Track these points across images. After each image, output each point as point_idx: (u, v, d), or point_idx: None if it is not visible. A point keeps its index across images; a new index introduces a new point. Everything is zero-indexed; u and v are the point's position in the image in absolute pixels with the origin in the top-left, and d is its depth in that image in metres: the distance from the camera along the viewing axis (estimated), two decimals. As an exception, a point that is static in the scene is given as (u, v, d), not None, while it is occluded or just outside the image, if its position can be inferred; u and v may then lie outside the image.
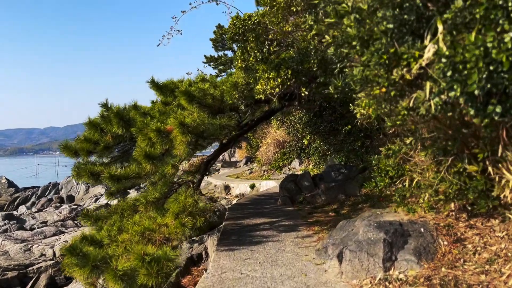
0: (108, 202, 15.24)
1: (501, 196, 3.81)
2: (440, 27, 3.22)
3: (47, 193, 21.96)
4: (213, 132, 6.28)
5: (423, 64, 3.42)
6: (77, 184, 20.86)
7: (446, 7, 3.46)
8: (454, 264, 3.59)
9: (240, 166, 25.23)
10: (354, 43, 4.03)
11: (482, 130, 3.86)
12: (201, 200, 5.91)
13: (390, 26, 3.64)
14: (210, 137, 7.43)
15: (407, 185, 5.47)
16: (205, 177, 20.58)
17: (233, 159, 30.88)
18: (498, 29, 2.73)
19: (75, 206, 16.57)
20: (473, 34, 2.78)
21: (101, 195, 18.71)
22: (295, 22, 6.50)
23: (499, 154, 3.72)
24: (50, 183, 24.04)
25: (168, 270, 4.83)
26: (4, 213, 17.46)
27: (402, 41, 3.70)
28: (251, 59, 6.75)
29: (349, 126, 10.39)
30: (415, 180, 5.16)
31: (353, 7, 3.86)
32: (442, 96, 3.22)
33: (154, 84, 7.92)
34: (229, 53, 32.63)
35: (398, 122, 3.94)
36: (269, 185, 15.30)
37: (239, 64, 6.85)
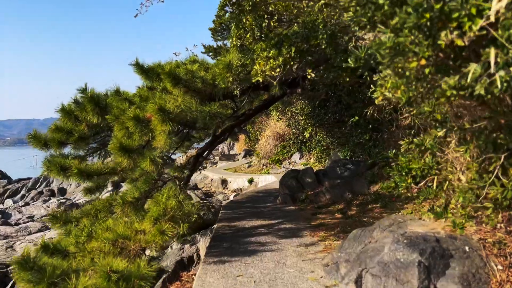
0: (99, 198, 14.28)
1: None
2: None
3: (37, 186, 20.96)
4: (202, 121, 5.26)
5: (487, 22, 2.40)
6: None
7: None
8: (514, 298, 2.62)
9: (238, 160, 24.23)
10: (381, 1, 3.00)
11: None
12: (187, 202, 4.91)
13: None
14: (201, 128, 6.43)
15: (434, 187, 4.48)
16: (200, 171, 19.60)
17: (232, 152, 29.88)
18: None
19: (64, 200, 15.59)
20: None
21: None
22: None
23: None
24: (43, 175, 22.99)
25: (140, 290, 3.85)
26: (-10, 206, 16.50)
27: (453, -8, 2.65)
28: (247, 36, 5.71)
29: (356, 118, 9.37)
30: (448, 182, 4.16)
31: None
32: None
33: (139, 67, 6.86)
34: (229, 44, 31.45)
35: (442, 106, 2.92)
36: (268, 180, 14.31)
37: (234, 42, 5.81)
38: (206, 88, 5.97)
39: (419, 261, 2.93)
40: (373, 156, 9.45)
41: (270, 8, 5.54)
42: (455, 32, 2.65)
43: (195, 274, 5.79)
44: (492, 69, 2.43)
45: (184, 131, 7.93)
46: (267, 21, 5.63)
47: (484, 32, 2.39)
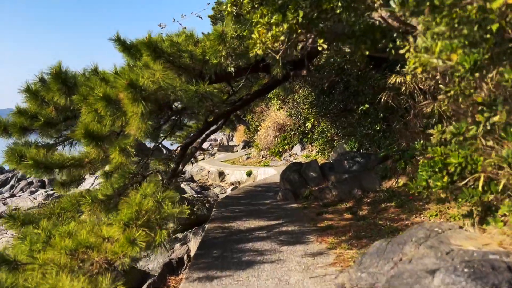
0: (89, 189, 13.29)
1: None
2: None
3: (28, 176, 19.97)
4: (188, 103, 4.25)
5: None
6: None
7: None
8: None
9: (237, 151, 23.24)
10: None
11: None
12: (168, 202, 3.91)
13: None
14: (189, 113, 5.43)
15: (480, 187, 3.49)
16: (193, 163, 18.57)
17: (231, 144, 28.88)
18: None
19: (52, 192, 14.62)
20: None
21: (84, 178, 16.54)
22: None
23: None
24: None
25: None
26: (-25, 197, 15.55)
27: None
28: (245, 2, 4.67)
29: (366, 105, 8.35)
30: (503, 182, 3.17)
31: None
32: None
33: (120, 43, 5.82)
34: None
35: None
36: (268, 173, 13.34)
37: (229, 9, 4.76)
38: (195, 65, 4.95)
39: (493, 304, 1.95)
40: (383, 148, 8.46)
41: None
42: None
43: (184, 279, 4.86)
44: None
45: (172, 117, 6.96)
46: (268, -18, 4.58)
47: None
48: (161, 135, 6.89)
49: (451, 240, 3.06)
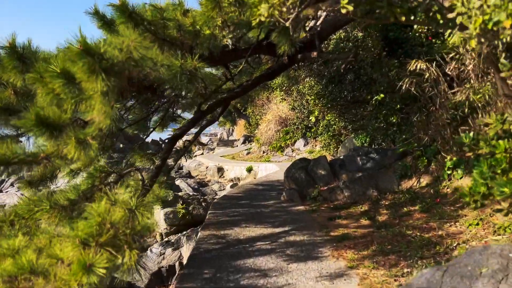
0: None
1: None
2: None
3: (20, 170, 19.02)
4: (172, 82, 3.27)
5: None
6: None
7: None
8: None
9: (237, 146, 22.27)
10: None
11: None
12: (144, 211, 2.93)
13: None
14: (175, 96, 4.48)
15: None
16: (187, 159, 17.57)
17: (231, 138, 27.90)
18: None
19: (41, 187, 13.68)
20: None
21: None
22: None
23: None
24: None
25: None
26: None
27: None
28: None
29: (382, 95, 7.36)
30: None
31: None
32: None
33: (99, 17, 4.81)
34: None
35: None
36: (269, 169, 12.38)
37: (226, -33, 3.76)
38: (183, 38, 3.94)
39: None
40: (399, 143, 7.48)
41: None
42: None
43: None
44: None
45: (164, 104, 6.02)
46: None
47: None
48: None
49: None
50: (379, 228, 4.77)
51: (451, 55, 5.85)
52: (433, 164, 6.03)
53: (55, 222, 3.47)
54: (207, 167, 16.20)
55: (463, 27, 2.21)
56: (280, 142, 16.01)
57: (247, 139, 21.96)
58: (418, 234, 4.26)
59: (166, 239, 8.74)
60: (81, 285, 2.58)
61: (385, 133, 8.16)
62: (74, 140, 2.80)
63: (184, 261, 6.35)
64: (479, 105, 5.28)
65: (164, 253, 7.30)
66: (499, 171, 2.73)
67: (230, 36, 3.75)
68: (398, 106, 7.37)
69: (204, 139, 29.60)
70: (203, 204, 9.65)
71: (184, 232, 8.73)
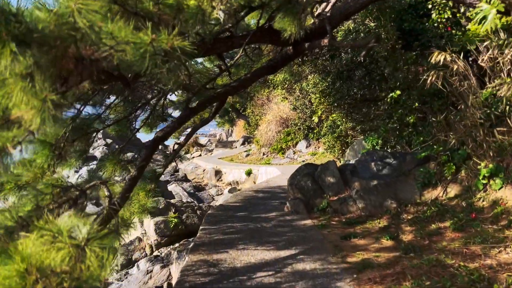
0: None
1: None
2: None
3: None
4: (139, 66, 2.32)
5: None
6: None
7: None
8: None
9: (236, 147, 21.33)
10: None
11: None
12: (100, 247, 1.99)
13: None
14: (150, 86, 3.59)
15: None
16: (189, 160, 16.61)
17: (231, 139, 26.95)
18: None
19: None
20: None
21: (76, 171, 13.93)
22: None
23: None
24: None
25: None
26: None
27: None
28: None
29: (398, 92, 6.42)
30: None
31: None
32: None
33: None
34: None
35: None
36: (270, 173, 11.44)
37: None
38: (162, 14, 3.00)
39: None
40: (415, 146, 6.56)
41: None
42: None
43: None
44: None
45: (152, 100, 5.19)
46: None
47: None
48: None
49: None
50: (407, 252, 3.83)
51: (486, 43, 4.95)
52: (463, 172, 5.10)
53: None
54: (204, 170, 15.26)
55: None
56: (281, 144, 15.08)
57: (247, 140, 21.03)
58: (462, 263, 3.32)
59: (156, 252, 7.80)
60: None
61: (399, 134, 7.23)
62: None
63: (173, 281, 5.43)
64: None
65: (151, 271, 6.36)
66: None
67: (221, 7, 2.81)
68: (416, 104, 6.44)
69: (203, 140, 28.68)
70: (197, 212, 8.72)
71: (176, 245, 7.80)
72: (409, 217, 4.98)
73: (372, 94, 7.39)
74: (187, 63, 2.56)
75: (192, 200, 10.41)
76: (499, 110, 4.85)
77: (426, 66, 6.39)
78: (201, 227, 5.15)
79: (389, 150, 6.89)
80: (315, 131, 13.77)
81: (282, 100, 14.55)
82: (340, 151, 11.05)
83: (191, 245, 4.41)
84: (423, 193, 5.42)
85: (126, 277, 6.52)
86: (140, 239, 8.25)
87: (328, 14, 4.53)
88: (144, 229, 8.45)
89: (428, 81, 5.09)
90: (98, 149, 16.16)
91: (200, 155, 20.50)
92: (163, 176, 15.28)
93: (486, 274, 3.07)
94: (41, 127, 1.96)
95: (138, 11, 2.76)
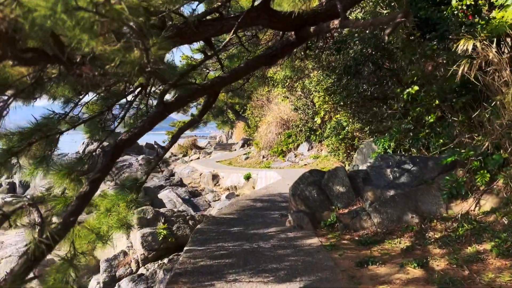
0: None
1: None
2: None
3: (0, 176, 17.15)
4: (70, 38, 1.43)
5: None
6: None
7: None
8: None
9: (235, 150, 20.42)
10: None
11: None
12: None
13: None
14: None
15: None
16: (186, 163, 15.63)
17: (230, 141, 26.04)
18: None
19: (11, 198, 11.83)
20: None
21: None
22: None
23: None
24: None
25: None
26: None
27: None
28: None
29: (416, 88, 5.52)
30: None
31: None
32: None
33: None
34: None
35: None
36: (270, 178, 10.53)
37: None
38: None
39: None
40: (434, 149, 5.67)
41: None
42: None
43: None
44: None
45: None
46: None
47: None
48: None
49: None
50: (442, 286, 2.92)
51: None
52: (500, 180, 4.20)
53: None
54: (201, 174, 14.34)
55: None
56: (281, 146, 14.17)
57: (246, 142, 20.13)
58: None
59: (143, 268, 6.87)
60: None
61: (414, 136, 6.33)
62: None
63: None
64: None
65: (133, 294, 5.45)
66: None
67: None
68: (437, 101, 5.55)
69: (202, 142, 27.78)
70: (190, 222, 7.78)
71: (165, 260, 6.88)
72: (436, 236, 4.07)
73: (383, 91, 6.49)
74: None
75: (186, 208, 9.50)
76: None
77: (446, 58, 5.52)
78: (185, 248, 4.25)
79: (417, 156, 5.97)
80: (318, 133, 12.87)
81: (282, 100, 13.63)
82: (345, 154, 10.14)
83: (169, 275, 3.51)
84: (450, 206, 4.51)
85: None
86: (125, 253, 7.33)
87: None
88: (130, 241, 7.55)
89: (459, 72, 4.19)
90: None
91: (198, 158, 19.60)
92: (156, 181, 14.26)
93: None
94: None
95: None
